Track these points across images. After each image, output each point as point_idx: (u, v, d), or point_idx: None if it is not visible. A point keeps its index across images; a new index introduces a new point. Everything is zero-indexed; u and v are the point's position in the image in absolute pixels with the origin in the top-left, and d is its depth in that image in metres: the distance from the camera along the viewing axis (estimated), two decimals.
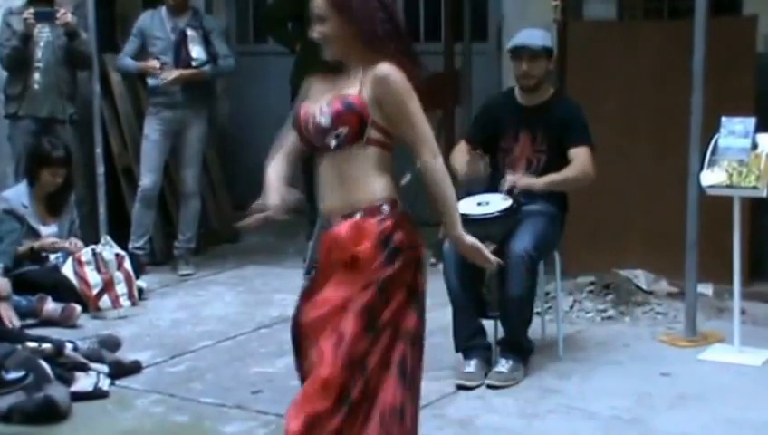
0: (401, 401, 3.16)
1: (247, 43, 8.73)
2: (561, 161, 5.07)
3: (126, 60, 7.03)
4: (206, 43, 6.90)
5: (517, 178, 4.99)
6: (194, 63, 6.83)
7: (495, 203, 4.92)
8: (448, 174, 3.22)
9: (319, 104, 3.20)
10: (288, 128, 3.35)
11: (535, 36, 5.14)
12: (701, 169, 5.17)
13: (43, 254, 6.32)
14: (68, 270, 6.18)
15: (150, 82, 7.00)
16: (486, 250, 3.31)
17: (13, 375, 4.57)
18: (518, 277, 4.83)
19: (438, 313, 5.74)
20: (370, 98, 3.15)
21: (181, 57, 6.84)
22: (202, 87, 7.04)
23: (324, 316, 3.16)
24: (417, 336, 3.24)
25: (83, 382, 4.81)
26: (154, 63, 6.86)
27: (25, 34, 6.70)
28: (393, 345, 3.16)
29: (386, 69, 3.13)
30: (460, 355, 5.01)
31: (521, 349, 4.98)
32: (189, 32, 6.88)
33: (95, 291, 6.13)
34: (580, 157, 5.04)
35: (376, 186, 3.20)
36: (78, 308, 5.99)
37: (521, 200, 4.95)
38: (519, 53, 5.14)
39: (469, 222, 4.88)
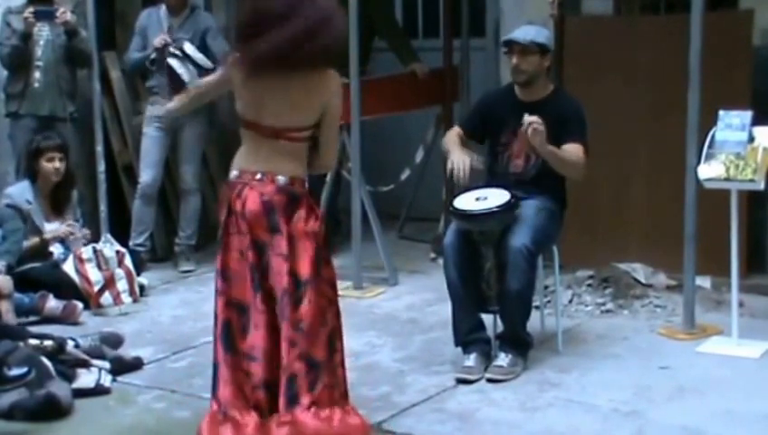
0: None
1: None
2: None
3: (133, 54, 7.03)
4: (203, 43, 6.81)
5: (535, 125, 4.86)
6: (189, 86, 6.64)
7: (494, 198, 4.92)
8: None
9: None
10: None
11: (528, 31, 5.13)
12: (698, 162, 5.19)
13: (50, 249, 6.35)
14: (69, 267, 6.21)
15: (149, 81, 7.02)
16: None
17: (15, 372, 4.57)
18: (517, 272, 4.84)
19: (438, 307, 5.81)
20: None
21: (174, 87, 6.56)
22: None
23: None
24: None
25: (85, 379, 4.83)
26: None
27: (25, 33, 6.71)
28: None
29: None
30: (460, 349, 5.03)
31: (520, 343, 5.00)
32: (171, 60, 6.21)
33: (96, 288, 6.16)
34: (574, 150, 5.04)
35: None
36: (79, 305, 6.02)
37: (519, 195, 4.97)
38: (510, 46, 5.16)
39: (468, 217, 4.94)
